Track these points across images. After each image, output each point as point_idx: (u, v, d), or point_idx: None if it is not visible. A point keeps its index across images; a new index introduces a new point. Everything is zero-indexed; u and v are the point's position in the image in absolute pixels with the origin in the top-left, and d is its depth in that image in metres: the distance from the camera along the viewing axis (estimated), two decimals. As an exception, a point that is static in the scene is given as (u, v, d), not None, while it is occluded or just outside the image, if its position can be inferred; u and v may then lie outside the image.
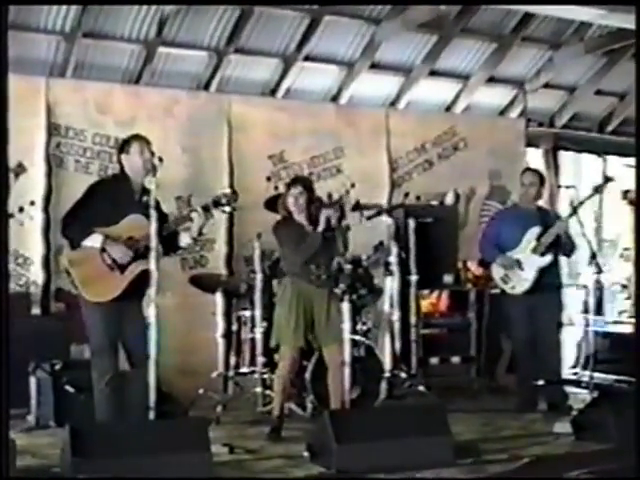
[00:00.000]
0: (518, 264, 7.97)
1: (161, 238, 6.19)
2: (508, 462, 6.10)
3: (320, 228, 7.01)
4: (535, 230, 7.98)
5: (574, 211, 7.80)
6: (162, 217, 6.38)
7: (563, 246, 7.99)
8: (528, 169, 8.76)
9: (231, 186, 8.66)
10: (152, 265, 5.96)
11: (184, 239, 6.53)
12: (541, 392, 7.99)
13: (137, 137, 6.60)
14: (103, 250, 6.27)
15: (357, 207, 8.55)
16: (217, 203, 6.46)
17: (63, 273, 8.30)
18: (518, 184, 8.41)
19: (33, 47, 9.02)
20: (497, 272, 8.15)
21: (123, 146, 6.61)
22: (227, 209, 6.57)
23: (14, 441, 5.50)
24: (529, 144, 11.51)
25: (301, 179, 7.62)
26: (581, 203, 7.91)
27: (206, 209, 6.43)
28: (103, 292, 6.32)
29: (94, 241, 6.29)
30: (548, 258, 7.93)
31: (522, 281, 7.98)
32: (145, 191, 6.30)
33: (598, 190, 7.98)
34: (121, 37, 9.30)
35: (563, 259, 8.32)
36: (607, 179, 8.13)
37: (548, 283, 7.97)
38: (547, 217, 8.19)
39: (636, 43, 9.14)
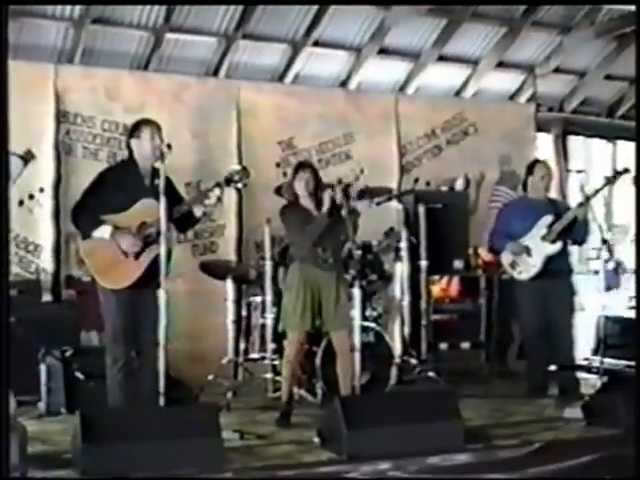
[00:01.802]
0: (527, 250, 7.95)
1: (175, 219, 6.18)
2: (519, 447, 6.09)
3: (324, 208, 6.99)
4: (547, 218, 7.95)
5: (587, 200, 7.77)
6: (177, 198, 6.38)
7: (576, 233, 7.95)
8: (538, 161, 8.67)
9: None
10: (162, 250, 5.94)
11: (198, 211, 6.48)
12: (552, 377, 7.96)
13: (148, 122, 6.57)
14: (118, 243, 6.26)
15: (364, 193, 8.52)
16: (229, 180, 6.40)
17: (74, 261, 8.46)
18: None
19: (41, 34, 9.04)
20: (506, 258, 8.14)
21: (133, 130, 6.58)
22: (239, 185, 6.52)
23: (25, 428, 5.52)
24: (539, 129, 11.46)
25: (308, 164, 7.58)
26: (596, 192, 7.86)
27: (219, 186, 6.38)
28: (119, 279, 6.32)
29: (103, 232, 6.29)
30: (557, 246, 7.90)
31: (529, 267, 7.96)
32: (155, 175, 6.27)
33: (611, 181, 7.92)
34: (129, 23, 9.31)
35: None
36: (622, 171, 8.02)
37: (557, 269, 7.94)
38: (558, 206, 8.19)
39: (636, 43, 9.08)
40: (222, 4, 9.34)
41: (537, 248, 7.94)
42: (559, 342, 7.99)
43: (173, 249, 6.34)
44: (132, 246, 6.28)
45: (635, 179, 7.96)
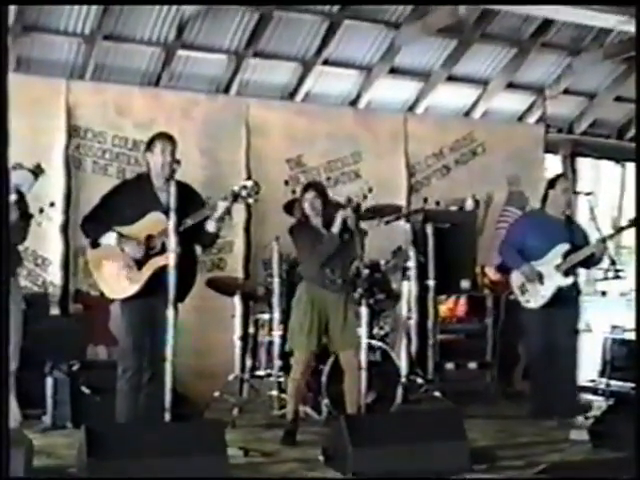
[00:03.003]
0: (539, 277, 7.79)
1: (186, 234, 6.20)
2: (524, 469, 6.08)
3: (335, 229, 7.00)
4: (564, 247, 7.77)
5: (606, 239, 7.67)
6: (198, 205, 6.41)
7: (590, 265, 7.88)
8: (560, 175, 8.58)
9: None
10: (171, 264, 5.94)
11: (210, 226, 6.47)
12: (556, 399, 7.87)
13: (161, 136, 6.56)
14: (122, 249, 6.29)
15: (373, 212, 8.53)
16: (237, 195, 6.38)
17: (82, 275, 8.48)
18: (536, 190, 8.30)
19: (53, 49, 9.09)
20: (516, 280, 7.97)
21: (148, 145, 6.60)
22: (250, 200, 6.50)
23: (31, 441, 5.53)
24: (548, 150, 11.46)
25: (313, 184, 7.62)
26: (618, 231, 7.79)
27: (226, 199, 6.36)
28: (120, 289, 6.36)
29: (109, 239, 6.32)
30: (570, 280, 7.76)
31: (538, 297, 7.80)
32: (182, 189, 6.21)
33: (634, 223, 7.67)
34: (140, 39, 9.34)
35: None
36: None
37: (566, 296, 7.80)
38: (576, 233, 7.95)
39: (636, 43, 9.07)
40: (240, 4, 9.33)
41: (550, 277, 7.76)
42: (563, 365, 7.84)
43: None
44: (135, 252, 6.29)
45: (635, 185, 7.93)
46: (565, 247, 7.79)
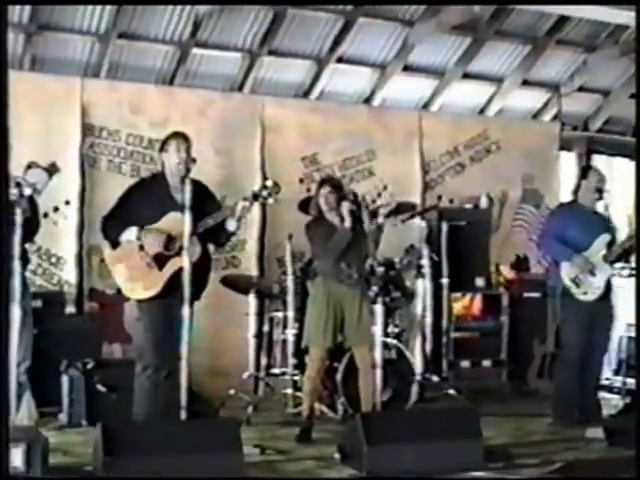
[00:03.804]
0: (591, 269, 7.57)
1: (205, 233, 6.20)
2: (539, 467, 6.06)
3: (346, 222, 7.01)
4: (606, 237, 7.64)
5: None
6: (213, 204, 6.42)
7: (625, 257, 7.80)
8: (591, 166, 8.45)
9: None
10: (185, 263, 5.95)
11: (231, 225, 6.48)
12: (580, 399, 7.72)
13: (175, 135, 6.56)
14: (141, 248, 6.29)
15: (394, 212, 8.53)
16: (257, 195, 6.38)
17: (97, 274, 8.50)
18: (551, 187, 8.23)
19: (68, 48, 9.10)
20: (569, 272, 7.60)
21: (163, 144, 6.60)
22: (270, 201, 6.51)
23: (47, 439, 5.54)
24: (562, 148, 11.44)
25: (329, 179, 7.66)
26: None
27: (249, 200, 6.37)
28: (141, 290, 6.36)
29: (129, 234, 6.32)
30: (614, 270, 7.66)
31: (594, 289, 7.57)
32: (197, 188, 6.24)
33: None
34: (155, 38, 9.35)
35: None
36: None
37: (608, 292, 7.68)
38: (610, 224, 7.85)
39: (636, 43, 9.02)
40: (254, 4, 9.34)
41: (601, 268, 7.59)
42: (592, 364, 7.69)
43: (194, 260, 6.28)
44: (155, 244, 6.29)
45: (635, 182, 7.87)
46: (607, 237, 7.65)
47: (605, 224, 7.80)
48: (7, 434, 4.67)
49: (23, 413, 6.42)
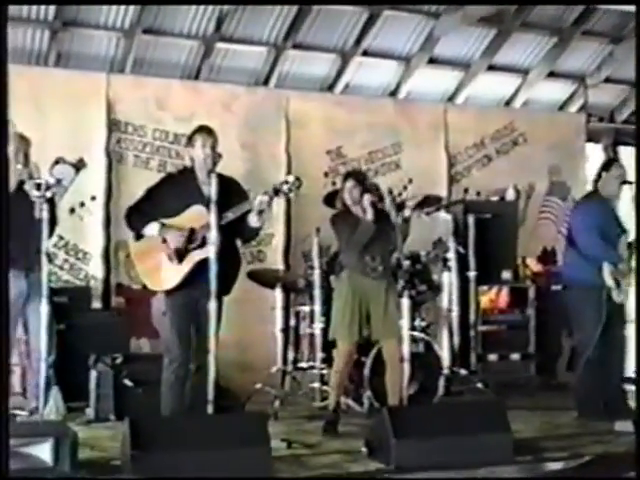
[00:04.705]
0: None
1: (229, 228, 6.21)
2: (568, 460, 6.02)
3: (368, 214, 6.99)
4: (624, 238, 7.53)
5: None
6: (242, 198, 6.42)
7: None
8: (615, 160, 8.34)
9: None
10: (211, 257, 5.95)
11: (253, 221, 6.48)
12: (606, 393, 7.68)
13: (201, 130, 6.56)
14: (164, 241, 6.31)
15: (422, 204, 8.50)
16: (278, 190, 6.37)
17: (123, 269, 8.54)
18: (577, 179, 8.12)
19: (93, 44, 9.13)
20: (613, 272, 7.43)
21: (189, 139, 6.61)
22: (292, 195, 6.50)
23: (76, 433, 5.56)
24: (589, 139, 11.39)
25: (353, 173, 7.68)
26: None
27: (267, 194, 6.36)
28: (161, 281, 6.38)
29: (152, 229, 6.34)
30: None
31: (622, 292, 7.48)
32: (224, 182, 6.22)
33: None
34: (180, 33, 9.36)
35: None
36: None
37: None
38: (621, 222, 7.73)
39: (636, 43, 8.95)
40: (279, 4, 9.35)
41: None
42: (613, 357, 7.60)
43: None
44: (176, 241, 6.30)
45: (636, 180, 7.79)
46: (627, 237, 7.55)
47: (619, 222, 7.72)
48: (7, 434, 4.68)
49: (51, 408, 6.44)
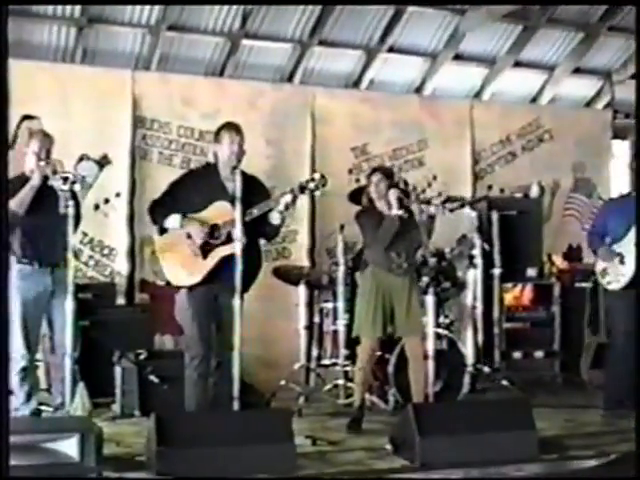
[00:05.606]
0: (620, 258, 7.45)
1: (252, 226, 6.21)
2: (594, 459, 6.00)
3: (394, 210, 6.97)
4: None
5: None
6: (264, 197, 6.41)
7: None
8: None
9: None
10: (238, 252, 5.96)
11: (275, 219, 6.47)
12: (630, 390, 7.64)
13: (229, 126, 6.55)
14: (189, 236, 6.31)
15: (447, 201, 8.48)
16: (303, 188, 6.35)
17: (148, 265, 8.57)
18: (603, 177, 8.07)
19: (119, 40, 9.15)
20: (598, 265, 7.65)
21: (215, 136, 6.61)
22: (318, 193, 6.49)
23: (101, 429, 5.58)
24: (615, 136, 11.33)
25: (380, 168, 7.71)
26: None
27: (292, 192, 6.35)
28: (185, 277, 6.39)
29: (174, 222, 6.34)
30: None
31: (619, 276, 7.47)
32: (247, 180, 6.22)
33: None
34: (205, 30, 9.37)
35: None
36: None
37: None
38: None
39: (636, 43, 8.88)
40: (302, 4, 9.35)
41: (630, 256, 7.41)
42: None
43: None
44: (197, 234, 6.30)
45: (635, 174, 7.72)
46: None
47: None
48: (7, 434, 4.70)
49: (77, 404, 6.46)
